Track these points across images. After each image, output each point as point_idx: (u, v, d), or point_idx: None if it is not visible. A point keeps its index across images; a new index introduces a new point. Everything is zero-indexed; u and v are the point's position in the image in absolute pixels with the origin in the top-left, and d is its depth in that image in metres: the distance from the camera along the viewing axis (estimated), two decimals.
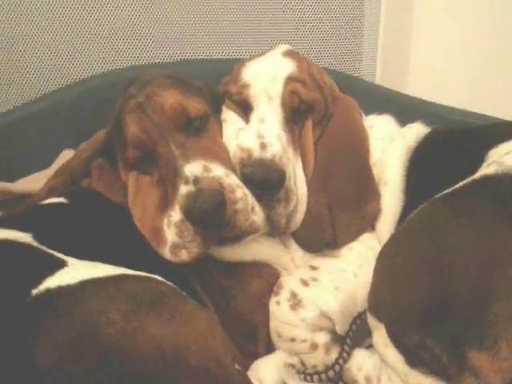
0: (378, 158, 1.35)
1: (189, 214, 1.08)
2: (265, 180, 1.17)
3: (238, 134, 1.26)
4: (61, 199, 1.23)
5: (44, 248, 1.04)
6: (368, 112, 1.47)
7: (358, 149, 1.32)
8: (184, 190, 1.10)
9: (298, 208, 1.25)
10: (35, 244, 1.05)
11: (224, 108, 1.36)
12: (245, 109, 1.32)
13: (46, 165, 1.54)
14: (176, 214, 1.11)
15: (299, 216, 1.25)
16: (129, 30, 1.83)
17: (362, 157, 1.32)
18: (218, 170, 1.13)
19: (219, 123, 1.30)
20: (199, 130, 1.21)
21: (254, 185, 1.17)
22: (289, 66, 1.33)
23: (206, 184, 1.09)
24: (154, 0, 1.81)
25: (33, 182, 1.43)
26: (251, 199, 1.15)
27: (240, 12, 1.86)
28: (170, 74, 1.29)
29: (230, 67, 1.46)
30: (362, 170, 1.31)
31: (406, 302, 0.96)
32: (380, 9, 1.91)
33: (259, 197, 1.18)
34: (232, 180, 1.14)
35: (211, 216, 1.08)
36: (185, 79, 1.30)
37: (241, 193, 1.13)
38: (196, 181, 1.09)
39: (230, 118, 1.32)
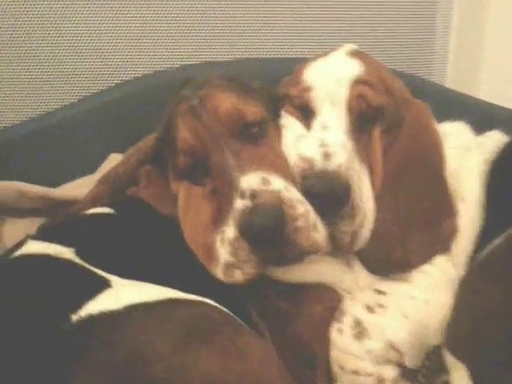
0: (454, 169, 1.21)
1: (245, 231, 0.97)
2: (328, 194, 1.05)
3: (299, 142, 1.15)
4: (106, 209, 1.14)
5: (87, 265, 0.95)
6: (439, 117, 1.33)
7: (432, 160, 1.19)
8: (240, 204, 0.99)
9: (364, 225, 1.12)
10: (77, 260, 0.96)
11: (283, 112, 1.24)
12: (306, 114, 1.20)
13: (92, 170, 1.44)
14: (230, 231, 1.01)
15: (365, 234, 1.13)
16: (180, 28, 1.73)
17: (437, 169, 1.19)
18: (277, 183, 1.02)
19: (278, 129, 1.19)
20: (257, 136, 1.10)
21: (316, 199, 1.05)
22: (355, 67, 1.21)
23: (265, 199, 0.98)
24: None
25: (77, 189, 1.35)
26: (313, 215, 1.04)
27: (303, 10, 1.74)
28: (226, 75, 1.18)
29: (289, 68, 1.34)
30: (437, 184, 1.17)
31: (495, 341, 0.83)
32: (452, 10, 1.77)
33: (321, 212, 1.06)
34: (293, 194, 1.03)
35: (269, 234, 0.97)
36: (241, 80, 1.19)
37: (302, 208, 1.02)
38: (253, 195, 0.99)
39: (290, 124, 1.20)
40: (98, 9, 1.67)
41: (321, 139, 1.12)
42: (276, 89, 1.29)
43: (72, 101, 1.61)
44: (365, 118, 1.18)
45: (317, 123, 1.17)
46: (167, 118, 1.16)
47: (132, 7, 1.69)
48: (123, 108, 1.51)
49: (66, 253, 0.97)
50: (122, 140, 1.35)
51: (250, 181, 1.01)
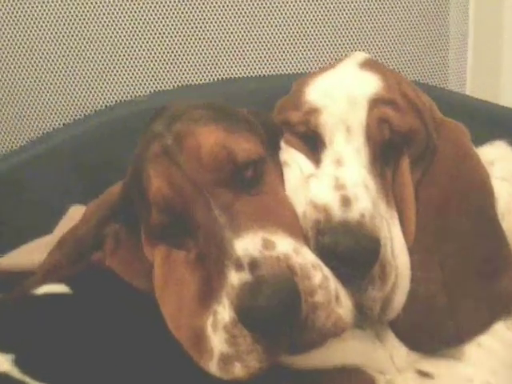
0: (506, 208, 0.95)
1: (245, 315, 0.72)
2: (353, 253, 0.79)
3: (308, 184, 0.88)
4: (61, 287, 0.87)
5: (26, 380, 0.68)
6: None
7: (478, 196, 0.93)
8: (236, 279, 0.73)
9: (398, 287, 0.87)
10: (15, 373, 0.69)
11: (283, 145, 0.98)
12: (313, 144, 0.94)
13: (49, 227, 1.16)
14: (225, 313, 0.76)
15: (400, 298, 0.87)
16: (151, 47, 1.47)
17: (485, 208, 0.93)
18: (284, 245, 0.76)
19: (279, 168, 0.92)
20: (252, 182, 0.84)
21: (336, 261, 0.79)
22: (372, 82, 0.95)
23: (269, 269, 0.73)
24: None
25: (29, 255, 1.07)
26: (334, 284, 0.78)
27: (300, 16, 1.47)
28: (209, 102, 0.92)
29: (285, 87, 1.09)
30: (488, 227, 0.92)
31: None
32: (468, 13, 1.52)
33: (344, 277, 0.80)
34: (306, 258, 0.77)
35: (279, 318, 0.71)
36: (227, 107, 0.93)
37: (319, 277, 0.76)
38: (253, 264, 0.73)
39: (293, 159, 0.94)
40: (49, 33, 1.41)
41: (336, 178, 0.87)
42: (271, 115, 1.03)
43: (22, 143, 1.33)
44: (389, 146, 0.92)
45: (328, 157, 0.91)
46: (135, 163, 0.89)
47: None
48: (85, 148, 1.23)
49: (3, 363, 0.70)
50: (85, 188, 1.08)
51: (247, 245, 0.75)
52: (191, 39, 1.49)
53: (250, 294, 0.71)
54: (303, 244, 0.81)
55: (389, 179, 0.92)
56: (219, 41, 1.51)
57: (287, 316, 0.71)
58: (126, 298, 0.85)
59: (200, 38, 1.50)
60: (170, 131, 0.85)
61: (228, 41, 1.51)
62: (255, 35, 1.53)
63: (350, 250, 0.79)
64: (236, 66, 1.54)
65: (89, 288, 0.87)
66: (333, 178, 0.87)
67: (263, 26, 1.54)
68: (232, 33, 1.51)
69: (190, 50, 1.49)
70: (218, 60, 1.51)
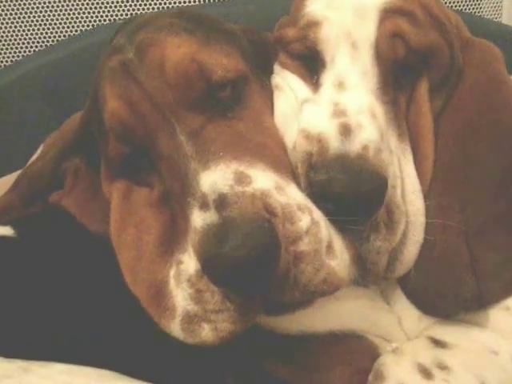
0: None
1: (210, 268, 0.58)
2: (352, 193, 0.63)
3: (301, 110, 0.72)
4: (5, 229, 0.73)
5: None
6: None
7: None
8: (199, 220, 0.58)
9: (409, 236, 0.71)
10: None
11: (277, 66, 0.81)
12: (312, 65, 0.78)
13: (17, 165, 1.01)
14: (190, 262, 0.61)
15: (411, 251, 0.72)
16: None
17: None
18: (262, 180, 0.61)
19: (268, 92, 0.76)
20: (229, 104, 0.68)
21: (331, 202, 0.64)
22: None
23: (240, 209, 0.57)
24: None
25: None
26: (326, 231, 0.62)
27: None
28: (183, 10, 0.76)
29: (286, 8, 0.91)
30: None
31: None
32: None
33: (341, 224, 0.64)
34: (290, 197, 0.62)
35: (252, 269, 0.55)
36: (208, 19, 0.76)
37: (307, 221, 0.61)
38: (221, 203, 0.58)
39: (287, 83, 0.78)
40: None
41: (335, 104, 0.70)
42: (266, 34, 0.86)
43: None
44: (404, 67, 0.75)
45: (328, 79, 0.75)
46: (93, 84, 0.74)
47: None
48: (58, 77, 1.08)
49: None
50: (59, 120, 0.93)
51: (215, 179, 0.60)
52: None
53: (215, 240, 0.57)
54: (290, 181, 0.65)
55: (403, 107, 0.75)
56: None
57: (262, 268, 0.57)
58: (76, 245, 0.72)
59: None
60: (131, 43, 0.70)
61: None
62: None
63: (348, 189, 0.64)
64: None
65: (37, 232, 0.74)
66: (331, 104, 0.71)
67: None
68: None
69: None
70: None
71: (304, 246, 0.60)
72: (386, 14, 0.75)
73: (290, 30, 0.80)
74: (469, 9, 1.40)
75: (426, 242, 0.71)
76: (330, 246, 0.63)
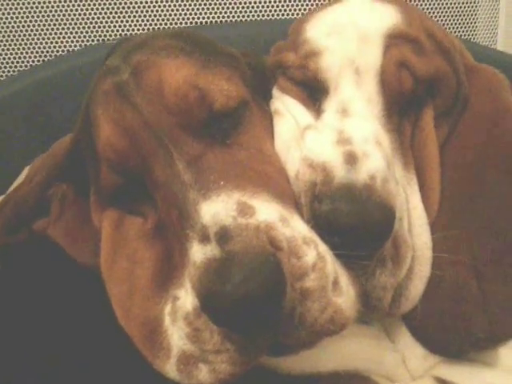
0: None
1: (210, 306, 0.54)
2: (358, 226, 0.59)
3: (304, 137, 0.69)
4: None
5: None
6: None
7: None
8: (199, 254, 0.55)
9: (416, 271, 0.68)
10: None
11: (276, 91, 0.78)
12: (313, 92, 0.75)
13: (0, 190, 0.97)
14: (187, 299, 0.57)
15: (417, 286, 0.68)
16: None
17: None
18: (266, 211, 0.58)
19: (267, 117, 0.73)
20: (230, 131, 0.65)
21: (336, 235, 0.60)
22: (389, 15, 0.75)
23: (244, 242, 0.53)
24: None
25: None
26: (332, 266, 0.59)
27: None
28: (181, 30, 0.72)
29: (284, 32, 0.88)
30: None
31: None
32: None
33: (347, 258, 0.61)
34: (295, 230, 0.58)
35: (256, 308, 0.51)
36: (206, 41, 0.73)
37: (313, 255, 0.57)
38: (223, 236, 0.54)
39: (287, 108, 0.75)
40: None
41: (340, 131, 0.67)
42: (264, 58, 0.83)
43: None
44: (409, 95, 0.72)
45: (332, 106, 0.72)
46: (84, 107, 0.70)
47: None
48: (43, 99, 1.04)
49: None
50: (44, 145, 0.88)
51: (217, 209, 0.56)
52: None
53: (217, 275, 0.53)
54: (294, 212, 0.62)
55: (408, 136, 0.73)
56: None
57: (266, 306, 0.53)
58: (63, 277, 0.67)
59: None
60: (127, 64, 0.66)
61: None
62: None
63: (354, 221, 0.60)
64: (235, 9, 1.34)
65: (21, 261, 0.69)
66: (336, 131, 0.68)
67: None
68: None
69: None
70: (216, 2, 1.31)
71: (310, 282, 0.56)
72: (391, 40, 0.73)
73: (290, 55, 0.77)
74: (464, 35, 1.39)
75: (433, 277, 0.68)
76: (336, 282, 0.59)
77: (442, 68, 0.73)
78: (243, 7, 1.33)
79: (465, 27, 1.38)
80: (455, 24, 1.38)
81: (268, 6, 1.34)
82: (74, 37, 1.27)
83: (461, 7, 1.37)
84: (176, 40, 0.68)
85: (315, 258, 0.57)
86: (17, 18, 1.26)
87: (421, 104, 0.73)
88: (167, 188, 0.60)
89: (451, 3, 1.37)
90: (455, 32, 1.38)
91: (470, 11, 1.36)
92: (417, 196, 0.70)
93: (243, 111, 0.66)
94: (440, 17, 1.38)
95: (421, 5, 1.38)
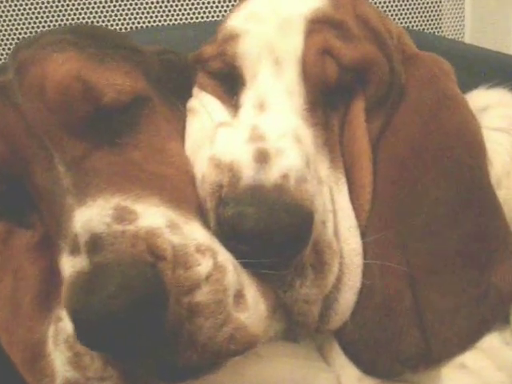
0: (504, 169, 0.67)
1: (79, 327, 0.45)
2: (266, 231, 0.52)
3: (215, 135, 0.62)
4: None
5: None
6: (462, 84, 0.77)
7: (464, 153, 0.65)
8: (68, 266, 0.48)
9: (345, 282, 0.60)
10: None
11: (195, 88, 0.72)
12: (231, 86, 0.68)
13: None
14: (67, 321, 0.49)
15: (348, 299, 0.61)
16: None
17: (474, 168, 0.65)
18: (151, 216, 0.50)
19: (178, 116, 0.66)
20: (123, 130, 0.58)
21: (243, 242, 0.53)
22: (313, 0, 0.68)
23: (116, 252, 0.46)
24: None
25: None
26: (234, 276, 0.52)
27: None
28: (79, 26, 0.66)
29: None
30: (479, 197, 0.64)
31: None
32: None
33: (259, 268, 0.53)
34: (186, 236, 0.51)
35: (129, 329, 0.44)
36: (110, 35, 0.67)
37: (208, 265, 0.50)
38: (94, 245, 0.47)
39: (204, 106, 0.68)
40: None
41: (254, 127, 0.60)
42: (186, 55, 0.76)
43: None
44: (334, 85, 0.65)
45: (248, 100, 0.65)
46: None
47: None
48: None
49: None
50: None
51: (90, 215, 0.49)
52: None
53: (82, 291, 0.46)
54: (192, 218, 0.55)
55: (335, 130, 0.65)
56: None
57: (143, 324, 0.45)
58: None
59: None
60: (14, 62, 0.60)
61: None
62: None
63: (259, 226, 0.53)
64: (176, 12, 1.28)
65: None
66: (249, 127, 0.60)
67: None
68: None
69: None
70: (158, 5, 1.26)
71: (202, 296, 0.49)
72: (314, 25, 0.66)
73: (208, 47, 0.71)
74: (430, 28, 1.32)
75: (364, 288, 0.60)
76: (239, 295, 0.52)
77: (371, 54, 0.66)
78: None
79: (431, 21, 1.31)
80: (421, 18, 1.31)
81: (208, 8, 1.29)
82: None
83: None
84: (71, 34, 0.62)
85: (210, 268, 0.50)
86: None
87: (350, 94, 0.66)
88: (47, 194, 0.54)
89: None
90: (422, 26, 1.31)
91: (436, 4, 1.29)
92: (345, 196, 0.63)
93: (141, 108, 0.59)
94: (406, 11, 1.31)
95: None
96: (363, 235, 0.62)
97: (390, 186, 0.64)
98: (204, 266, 0.50)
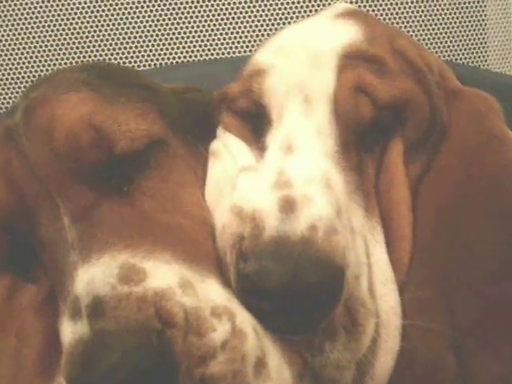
0: None
1: None
2: (291, 289, 0.47)
3: (237, 181, 0.57)
4: None
5: None
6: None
7: None
8: (68, 332, 0.42)
9: (381, 345, 0.54)
10: None
11: (220, 129, 0.67)
12: (257, 126, 0.63)
13: None
14: None
15: (385, 363, 0.54)
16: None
17: None
18: (162, 274, 0.46)
19: (199, 160, 0.61)
20: (135, 177, 0.53)
21: (265, 301, 0.47)
22: (346, 33, 0.63)
23: (120, 317, 0.41)
24: None
25: None
26: (255, 342, 0.46)
27: None
28: (96, 63, 0.62)
29: None
30: None
31: None
32: None
33: (281, 329, 0.48)
34: (200, 298, 0.46)
35: None
36: (126, 73, 0.63)
37: (224, 331, 0.45)
38: (96, 309, 0.42)
39: (228, 148, 0.63)
40: None
41: (280, 172, 0.55)
42: (211, 93, 0.72)
43: None
44: (369, 125, 0.59)
45: (275, 141, 0.60)
46: None
47: None
48: None
49: None
50: None
51: (93, 275, 0.44)
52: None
53: (81, 362, 0.41)
54: (210, 275, 0.49)
55: (371, 174, 0.60)
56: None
57: None
58: None
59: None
60: (24, 102, 0.56)
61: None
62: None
63: (283, 284, 0.47)
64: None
65: None
66: (274, 172, 0.55)
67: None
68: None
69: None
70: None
71: (217, 366, 0.43)
72: (347, 60, 0.61)
73: (234, 85, 0.66)
74: (475, 62, 1.25)
75: (403, 352, 0.53)
76: (260, 364, 0.46)
77: (410, 91, 0.60)
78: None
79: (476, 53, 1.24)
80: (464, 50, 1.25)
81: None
82: None
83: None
84: (83, 73, 0.58)
85: (227, 333, 0.45)
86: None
87: (387, 135, 0.60)
88: (51, 248, 0.49)
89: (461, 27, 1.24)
90: (466, 59, 1.24)
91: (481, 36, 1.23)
92: (381, 248, 0.57)
93: (155, 153, 0.55)
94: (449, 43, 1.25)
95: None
96: (402, 292, 0.55)
97: (431, 237, 0.57)
98: (220, 332, 0.44)
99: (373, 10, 1.27)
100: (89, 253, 0.46)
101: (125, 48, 1.18)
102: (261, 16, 1.25)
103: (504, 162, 0.60)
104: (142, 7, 1.21)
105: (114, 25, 1.19)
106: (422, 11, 1.24)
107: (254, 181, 0.56)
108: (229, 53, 1.26)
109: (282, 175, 0.55)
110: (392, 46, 0.64)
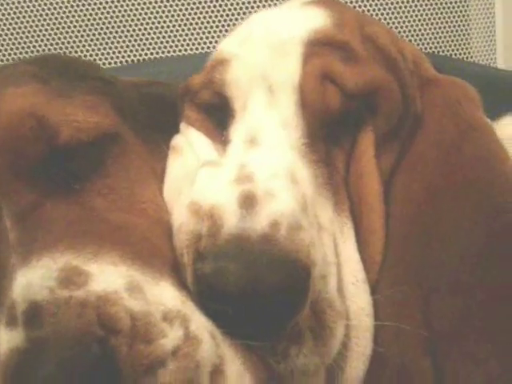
0: None
1: None
2: (251, 291, 0.43)
3: (196, 177, 0.53)
4: None
5: None
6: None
7: (492, 190, 0.55)
8: (3, 342, 0.39)
9: (352, 348, 0.51)
10: None
11: (182, 124, 0.63)
12: (221, 119, 0.60)
13: None
14: None
15: (356, 368, 0.52)
16: None
17: (506, 211, 0.54)
18: (107, 277, 0.42)
19: (158, 156, 0.58)
20: (81, 173, 0.50)
21: (223, 304, 0.44)
22: (314, 19, 0.60)
23: (58, 324, 0.38)
24: None
25: None
26: (211, 348, 0.43)
27: None
28: (50, 54, 0.59)
29: None
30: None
31: None
32: None
33: (242, 335, 0.44)
34: (153, 300, 0.43)
35: None
36: (80, 66, 0.59)
37: (177, 336, 0.42)
38: (32, 315, 0.38)
39: (187, 143, 0.60)
40: None
41: (242, 166, 0.51)
42: (175, 86, 0.69)
43: None
44: (337, 115, 0.56)
45: (238, 134, 0.56)
46: None
47: None
48: None
49: None
50: None
51: (31, 278, 0.41)
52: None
53: (15, 374, 0.37)
54: (162, 277, 0.46)
55: (340, 167, 0.56)
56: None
57: None
58: None
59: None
60: None
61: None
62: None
63: (242, 286, 0.44)
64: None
65: None
66: (236, 166, 0.52)
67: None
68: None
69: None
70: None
71: (168, 375, 0.40)
72: (313, 48, 0.58)
73: (196, 76, 0.63)
74: (459, 54, 1.22)
75: (376, 355, 0.50)
76: (217, 372, 0.43)
77: (380, 78, 0.57)
78: None
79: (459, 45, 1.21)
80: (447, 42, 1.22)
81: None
82: None
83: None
84: (34, 66, 0.54)
85: (179, 340, 0.41)
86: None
87: (357, 126, 0.57)
88: None
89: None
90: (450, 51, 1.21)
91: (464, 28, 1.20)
92: (351, 245, 0.53)
93: (108, 148, 0.51)
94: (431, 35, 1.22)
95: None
96: (374, 291, 0.52)
97: (405, 232, 0.54)
98: (171, 338, 0.41)
99: (355, 4, 1.25)
100: (29, 255, 0.43)
101: (95, 44, 1.16)
102: (230, 10, 1.22)
103: (482, 153, 0.57)
104: (116, 6, 1.19)
105: (83, 21, 1.16)
106: (406, 4, 1.21)
107: (213, 176, 0.52)
108: (203, 48, 1.23)
109: (244, 169, 0.51)
110: (362, 32, 0.61)
